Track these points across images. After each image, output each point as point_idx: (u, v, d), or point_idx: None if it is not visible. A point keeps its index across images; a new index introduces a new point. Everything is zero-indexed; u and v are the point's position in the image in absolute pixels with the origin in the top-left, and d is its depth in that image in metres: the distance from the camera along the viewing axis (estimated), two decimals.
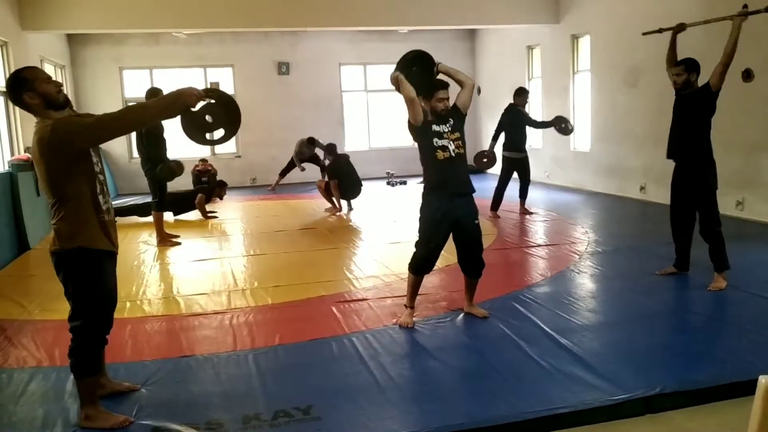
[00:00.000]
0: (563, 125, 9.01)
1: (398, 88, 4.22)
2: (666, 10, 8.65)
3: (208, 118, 3.26)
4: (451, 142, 4.17)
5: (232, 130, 3.41)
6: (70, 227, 2.88)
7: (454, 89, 4.29)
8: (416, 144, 4.33)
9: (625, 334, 4.03)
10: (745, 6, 4.85)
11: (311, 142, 12.14)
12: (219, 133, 3.40)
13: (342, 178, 9.51)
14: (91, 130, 2.85)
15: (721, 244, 4.90)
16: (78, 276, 2.92)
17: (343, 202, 9.68)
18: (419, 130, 4.20)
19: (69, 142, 2.81)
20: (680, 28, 5.31)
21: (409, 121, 4.22)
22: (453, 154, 4.16)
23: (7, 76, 8.84)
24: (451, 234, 4.26)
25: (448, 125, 4.21)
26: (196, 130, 3.30)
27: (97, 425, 2.97)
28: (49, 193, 2.90)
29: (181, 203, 9.39)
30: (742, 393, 3.13)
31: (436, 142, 4.15)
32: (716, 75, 4.73)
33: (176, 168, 7.38)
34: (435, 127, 4.19)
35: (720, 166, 4.95)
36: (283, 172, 12.67)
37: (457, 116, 4.27)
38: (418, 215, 4.31)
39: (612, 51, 10.05)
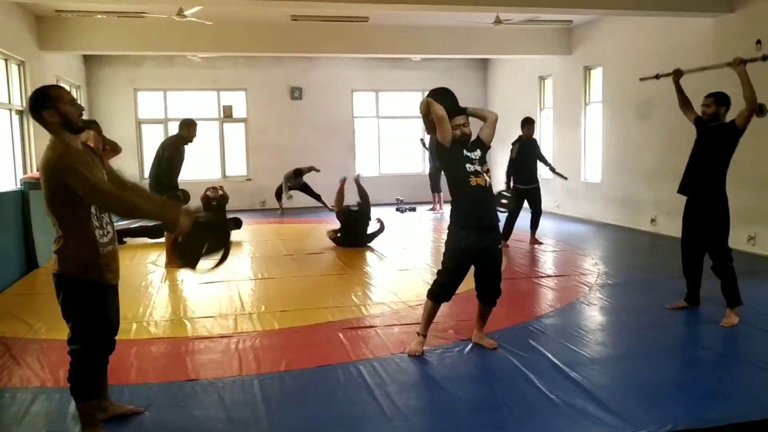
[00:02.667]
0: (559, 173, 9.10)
1: (427, 114, 4.24)
2: (679, 43, 8.70)
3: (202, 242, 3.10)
4: (483, 173, 4.17)
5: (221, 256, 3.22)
6: (67, 255, 2.88)
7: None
8: (446, 175, 4.31)
9: (636, 368, 3.98)
10: (758, 42, 4.86)
11: (298, 174, 12.37)
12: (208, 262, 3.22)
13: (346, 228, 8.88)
14: (84, 188, 2.79)
15: (733, 279, 4.85)
16: (74, 302, 2.91)
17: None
18: (450, 153, 4.18)
19: (66, 178, 2.79)
20: (678, 74, 5.31)
21: (439, 146, 4.22)
22: (485, 183, 4.16)
23: (27, 94, 9.03)
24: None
25: (475, 153, 4.22)
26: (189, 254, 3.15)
27: None
28: (51, 216, 2.92)
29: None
30: None
31: (469, 168, 4.14)
32: (742, 117, 4.72)
33: (182, 197, 7.42)
34: (466, 152, 4.19)
35: (732, 200, 4.92)
36: (278, 196, 12.82)
37: (483, 149, 4.29)
38: (444, 247, 4.28)
39: (624, 83, 10.07)
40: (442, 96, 4.34)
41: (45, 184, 2.86)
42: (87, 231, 2.87)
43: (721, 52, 7.95)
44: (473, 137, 4.29)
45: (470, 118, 4.31)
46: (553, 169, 9.09)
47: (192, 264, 3.16)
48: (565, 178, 9.33)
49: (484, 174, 4.18)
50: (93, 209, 2.88)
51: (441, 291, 4.25)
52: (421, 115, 4.39)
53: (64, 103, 2.90)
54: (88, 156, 2.95)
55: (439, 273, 4.30)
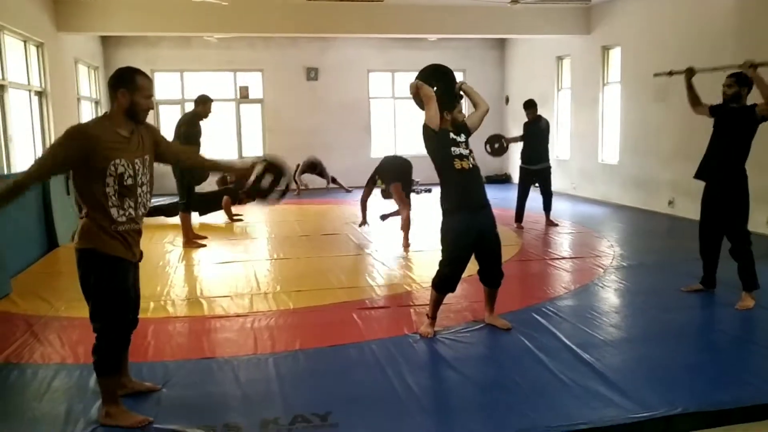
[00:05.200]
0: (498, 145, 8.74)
1: (416, 95, 4.28)
2: (700, 22, 8.56)
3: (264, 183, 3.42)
4: (468, 156, 4.17)
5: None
6: (87, 228, 2.95)
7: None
8: (431, 157, 4.28)
9: (648, 351, 3.98)
10: None
11: (312, 168, 12.39)
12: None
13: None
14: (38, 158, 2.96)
15: (750, 262, 4.82)
16: (91, 276, 2.97)
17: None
18: (437, 136, 4.17)
19: (92, 155, 2.88)
20: (690, 73, 5.22)
21: (426, 127, 4.21)
22: (471, 166, 4.16)
23: (46, 75, 9.11)
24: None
25: (461, 137, 4.23)
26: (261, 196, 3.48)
27: (118, 423, 3.01)
28: (75, 189, 3.01)
29: (207, 204, 9.48)
30: (767, 416, 3.07)
31: (454, 151, 4.14)
32: (762, 109, 4.63)
33: (204, 173, 7.51)
34: (453, 135, 4.20)
35: (751, 183, 4.86)
36: (294, 177, 12.87)
37: (467, 134, 4.29)
38: (440, 235, 4.27)
39: (643, 63, 9.95)
40: (435, 80, 4.30)
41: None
42: (102, 206, 2.93)
43: (742, 31, 7.83)
44: (465, 131, 4.29)
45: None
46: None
47: (265, 197, 3.47)
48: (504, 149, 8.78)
49: (470, 157, 4.18)
50: (110, 186, 2.92)
51: (444, 283, 4.24)
52: (411, 95, 4.37)
53: (141, 95, 3.01)
54: (120, 140, 2.96)
55: (441, 264, 4.27)
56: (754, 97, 4.71)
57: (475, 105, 4.43)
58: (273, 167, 3.41)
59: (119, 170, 2.93)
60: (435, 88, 4.28)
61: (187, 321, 4.73)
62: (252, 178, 3.37)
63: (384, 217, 8.17)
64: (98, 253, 2.94)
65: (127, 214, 3.00)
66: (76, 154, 2.85)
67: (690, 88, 5.17)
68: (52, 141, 2.97)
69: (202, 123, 7.46)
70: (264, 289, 5.57)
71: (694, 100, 5.15)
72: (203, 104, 7.43)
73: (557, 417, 3.06)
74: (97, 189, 2.91)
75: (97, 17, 10.16)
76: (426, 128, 4.22)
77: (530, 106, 8.56)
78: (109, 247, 2.96)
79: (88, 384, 3.49)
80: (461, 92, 4.47)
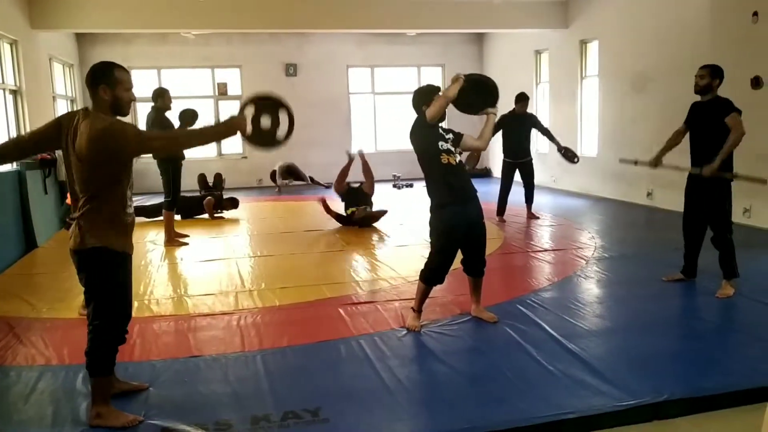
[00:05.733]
0: (570, 155, 8.67)
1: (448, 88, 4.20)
2: (676, 16, 8.66)
3: (264, 122, 3.18)
4: (455, 152, 4.19)
5: (288, 116, 3.29)
6: (96, 225, 2.92)
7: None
8: (418, 150, 4.29)
9: (633, 340, 4.03)
10: (755, 14, 4.84)
11: (290, 172, 12.73)
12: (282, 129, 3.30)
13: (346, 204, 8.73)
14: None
15: (731, 251, 4.90)
16: (101, 275, 2.96)
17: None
18: (430, 128, 4.18)
19: (123, 147, 2.91)
20: (653, 165, 5.37)
21: (420, 120, 4.21)
22: (456, 162, 4.18)
23: (20, 73, 8.96)
24: None
25: (449, 135, 4.27)
26: (263, 141, 3.26)
27: (108, 424, 2.99)
28: (83, 188, 2.94)
29: (190, 208, 9.44)
30: (750, 401, 3.14)
31: (441, 146, 4.17)
32: (730, 124, 4.74)
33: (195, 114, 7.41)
34: (441, 131, 4.22)
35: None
36: (273, 177, 13.02)
37: (456, 142, 4.29)
38: (429, 229, 4.30)
39: (620, 57, 10.05)
40: (476, 94, 4.27)
41: (90, 154, 2.86)
42: (121, 202, 2.96)
43: (717, 26, 7.94)
44: (453, 133, 4.31)
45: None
46: (561, 149, 8.60)
47: (272, 143, 3.27)
48: (574, 162, 8.69)
49: (456, 154, 4.21)
50: (127, 182, 2.99)
51: (433, 274, 4.27)
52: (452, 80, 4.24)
53: (122, 88, 3.00)
54: None
55: (430, 255, 4.30)
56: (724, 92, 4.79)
57: (481, 134, 4.44)
58: (265, 104, 3.19)
59: (131, 165, 3.02)
60: (467, 97, 4.21)
61: (172, 320, 4.69)
62: (249, 127, 3.12)
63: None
64: (110, 251, 2.95)
65: (131, 208, 3.07)
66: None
67: (662, 155, 5.31)
68: (96, 136, 2.88)
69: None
70: (249, 286, 5.54)
71: (672, 147, 5.24)
72: (161, 97, 7.28)
73: (546, 407, 3.09)
74: (120, 185, 2.96)
75: (71, 14, 10.01)
76: (421, 119, 4.21)
77: (522, 99, 8.52)
78: (119, 243, 2.99)
79: (75, 385, 3.46)
80: (483, 114, 4.44)
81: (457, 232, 4.19)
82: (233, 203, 9.89)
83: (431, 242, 4.30)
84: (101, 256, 2.94)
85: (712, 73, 4.87)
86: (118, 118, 3.01)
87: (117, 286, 3.02)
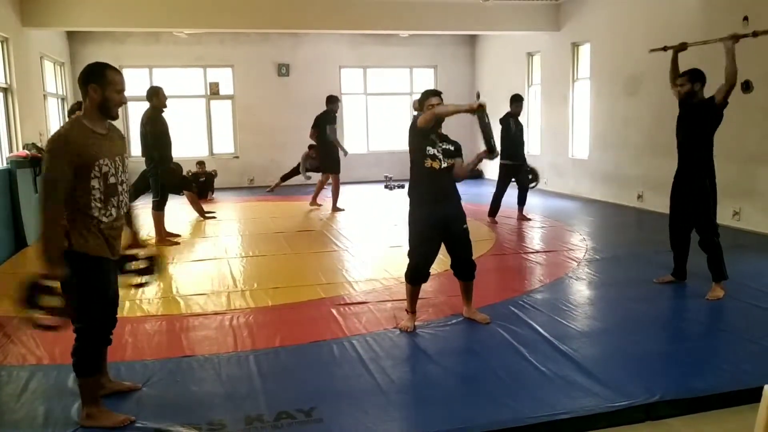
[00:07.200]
0: (531, 176, 8.86)
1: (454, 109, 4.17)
2: (667, 19, 8.72)
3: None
4: (443, 159, 4.18)
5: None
6: (73, 228, 2.90)
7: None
8: (410, 154, 4.30)
9: (624, 341, 4.05)
10: (746, 18, 4.89)
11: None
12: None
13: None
14: (42, 175, 2.89)
15: (719, 254, 4.93)
16: (74, 278, 2.90)
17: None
18: (423, 131, 4.18)
19: (77, 160, 2.84)
20: (682, 47, 5.35)
21: (415, 125, 4.22)
22: (439, 168, 4.17)
23: (11, 71, 8.91)
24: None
25: (444, 144, 4.23)
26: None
27: (99, 424, 2.98)
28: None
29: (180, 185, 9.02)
30: (741, 401, 3.17)
31: (429, 150, 4.17)
32: (721, 93, 4.74)
33: (176, 169, 7.43)
34: (434, 138, 4.22)
35: (717, 175, 4.97)
36: (285, 177, 12.68)
37: (455, 152, 4.27)
38: (408, 228, 4.33)
39: (612, 59, 10.11)
40: (486, 137, 4.20)
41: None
42: (86, 206, 2.89)
43: (708, 29, 7.99)
44: (453, 145, 4.30)
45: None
46: (528, 170, 9.01)
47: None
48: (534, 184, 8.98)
49: (444, 161, 4.17)
50: (95, 188, 2.89)
51: (414, 273, 4.30)
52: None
53: (113, 90, 2.97)
54: (99, 138, 2.95)
55: (408, 255, 4.33)
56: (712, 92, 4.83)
57: (463, 169, 4.36)
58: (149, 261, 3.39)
59: (103, 170, 2.91)
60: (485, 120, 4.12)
61: (164, 319, 4.67)
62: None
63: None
64: (80, 254, 2.90)
65: (109, 213, 2.97)
66: (68, 167, 2.82)
67: (674, 64, 5.29)
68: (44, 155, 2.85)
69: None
70: (241, 286, 5.53)
71: (675, 77, 5.24)
72: (156, 96, 7.29)
73: (539, 407, 3.11)
74: (82, 190, 2.87)
75: (63, 12, 9.97)
76: (415, 127, 4.23)
77: (517, 100, 8.53)
78: (91, 247, 2.91)
79: (66, 385, 3.44)
80: (479, 157, 4.39)
81: (431, 229, 4.21)
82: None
83: (410, 242, 4.33)
84: (75, 259, 2.89)
85: (691, 79, 4.92)
86: (74, 127, 2.93)
87: (93, 291, 2.94)
